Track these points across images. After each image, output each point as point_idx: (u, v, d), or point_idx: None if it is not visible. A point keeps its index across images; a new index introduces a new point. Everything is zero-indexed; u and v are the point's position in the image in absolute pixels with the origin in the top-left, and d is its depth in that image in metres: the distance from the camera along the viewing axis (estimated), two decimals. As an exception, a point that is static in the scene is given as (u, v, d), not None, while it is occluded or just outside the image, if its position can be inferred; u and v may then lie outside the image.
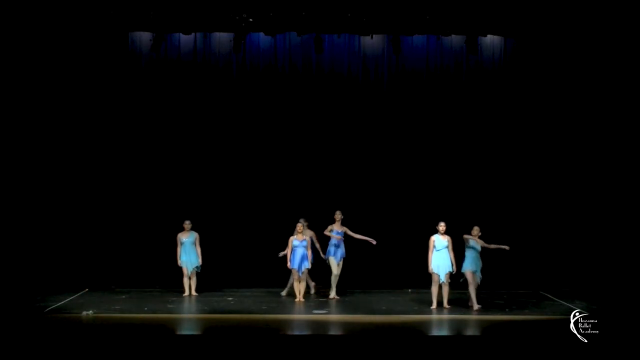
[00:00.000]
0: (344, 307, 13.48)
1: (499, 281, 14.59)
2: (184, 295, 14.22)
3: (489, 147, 15.58)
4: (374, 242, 13.93)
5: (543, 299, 14.23)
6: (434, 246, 13.25)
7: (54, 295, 13.83)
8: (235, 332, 11.63)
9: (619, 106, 15.19)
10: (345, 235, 14.03)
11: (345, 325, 12.27)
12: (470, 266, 13.15)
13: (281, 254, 14.00)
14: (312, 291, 14.46)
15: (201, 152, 15.49)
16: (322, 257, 14.19)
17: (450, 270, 13.21)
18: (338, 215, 14.02)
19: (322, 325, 12.15)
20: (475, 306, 13.15)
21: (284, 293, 14.37)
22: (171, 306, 13.42)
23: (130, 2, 14.38)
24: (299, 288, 13.91)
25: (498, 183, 15.57)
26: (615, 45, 15.01)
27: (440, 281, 13.22)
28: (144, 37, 15.35)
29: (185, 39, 15.36)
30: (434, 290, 13.28)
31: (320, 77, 15.61)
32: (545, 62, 15.42)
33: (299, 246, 13.83)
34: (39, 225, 14.89)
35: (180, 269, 14.29)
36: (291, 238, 13.88)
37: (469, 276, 13.15)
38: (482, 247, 13.20)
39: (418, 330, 11.91)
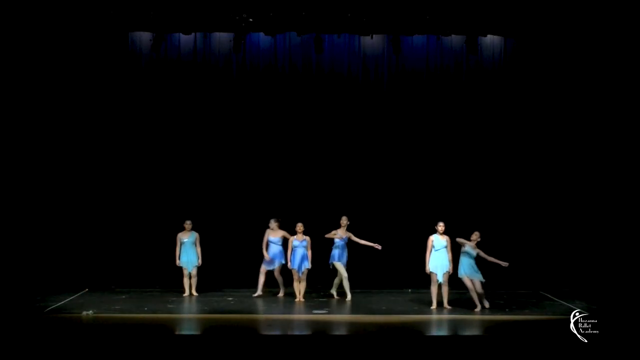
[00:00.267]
0: (344, 307, 13.48)
1: (499, 281, 14.56)
2: (184, 295, 14.22)
3: (489, 147, 15.58)
4: (379, 247, 13.83)
5: (543, 299, 14.23)
6: (433, 246, 13.25)
7: (54, 295, 13.84)
8: (235, 332, 11.64)
9: (618, 106, 15.19)
10: (349, 240, 13.98)
11: (346, 325, 12.27)
12: (465, 271, 13.07)
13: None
14: (280, 294, 14.25)
15: (201, 152, 15.49)
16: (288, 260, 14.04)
17: (448, 270, 13.20)
18: (344, 221, 13.88)
19: (322, 325, 12.15)
20: (479, 306, 13.03)
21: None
22: (171, 306, 13.42)
23: (130, 2, 14.38)
24: (299, 288, 13.91)
25: (498, 183, 15.57)
26: (615, 45, 15.01)
27: (438, 281, 13.22)
28: (144, 37, 15.35)
29: (185, 39, 15.36)
30: (434, 290, 13.28)
31: (320, 77, 15.61)
32: (546, 62, 15.42)
33: (299, 246, 13.83)
34: (39, 225, 14.89)
35: (180, 269, 14.29)
36: (291, 238, 13.88)
37: (466, 281, 13.09)
38: (480, 256, 13.10)
39: (418, 331, 11.91)
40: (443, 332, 12.13)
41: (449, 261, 13.22)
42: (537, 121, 15.50)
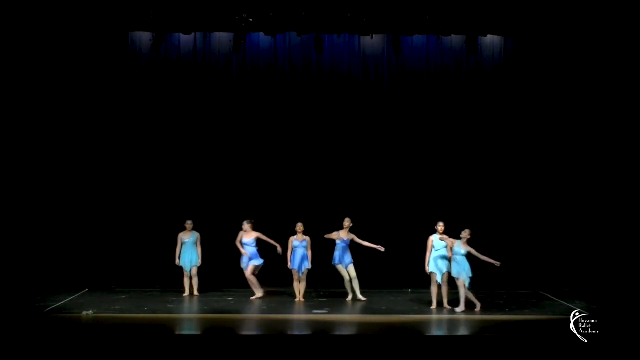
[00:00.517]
0: (344, 307, 13.48)
1: (499, 281, 14.58)
2: (184, 295, 14.22)
3: (489, 147, 15.58)
4: (382, 250, 13.76)
5: (543, 299, 14.23)
6: (432, 246, 13.24)
7: (54, 295, 13.83)
8: (235, 332, 11.64)
9: (618, 106, 15.19)
10: (352, 242, 13.93)
11: (346, 325, 12.27)
12: (456, 271, 12.93)
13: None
14: (259, 295, 14.08)
15: (201, 152, 15.49)
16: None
17: (448, 270, 13.18)
18: (346, 223, 13.78)
19: (322, 325, 12.15)
20: (479, 306, 13.01)
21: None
22: (171, 306, 13.41)
23: (130, 2, 14.39)
24: (299, 288, 13.91)
25: (498, 183, 15.57)
26: (615, 45, 15.01)
27: (438, 282, 13.22)
28: (144, 37, 15.36)
29: (185, 39, 15.36)
30: (434, 290, 13.28)
31: (320, 77, 15.61)
32: (546, 62, 15.42)
33: (299, 246, 13.82)
34: (39, 225, 14.89)
35: (180, 269, 14.29)
36: (291, 238, 13.87)
37: (459, 281, 13.03)
38: (471, 255, 12.94)
39: (418, 331, 11.91)
40: (443, 332, 12.12)
41: (449, 261, 13.20)
42: (537, 121, 15.50)
